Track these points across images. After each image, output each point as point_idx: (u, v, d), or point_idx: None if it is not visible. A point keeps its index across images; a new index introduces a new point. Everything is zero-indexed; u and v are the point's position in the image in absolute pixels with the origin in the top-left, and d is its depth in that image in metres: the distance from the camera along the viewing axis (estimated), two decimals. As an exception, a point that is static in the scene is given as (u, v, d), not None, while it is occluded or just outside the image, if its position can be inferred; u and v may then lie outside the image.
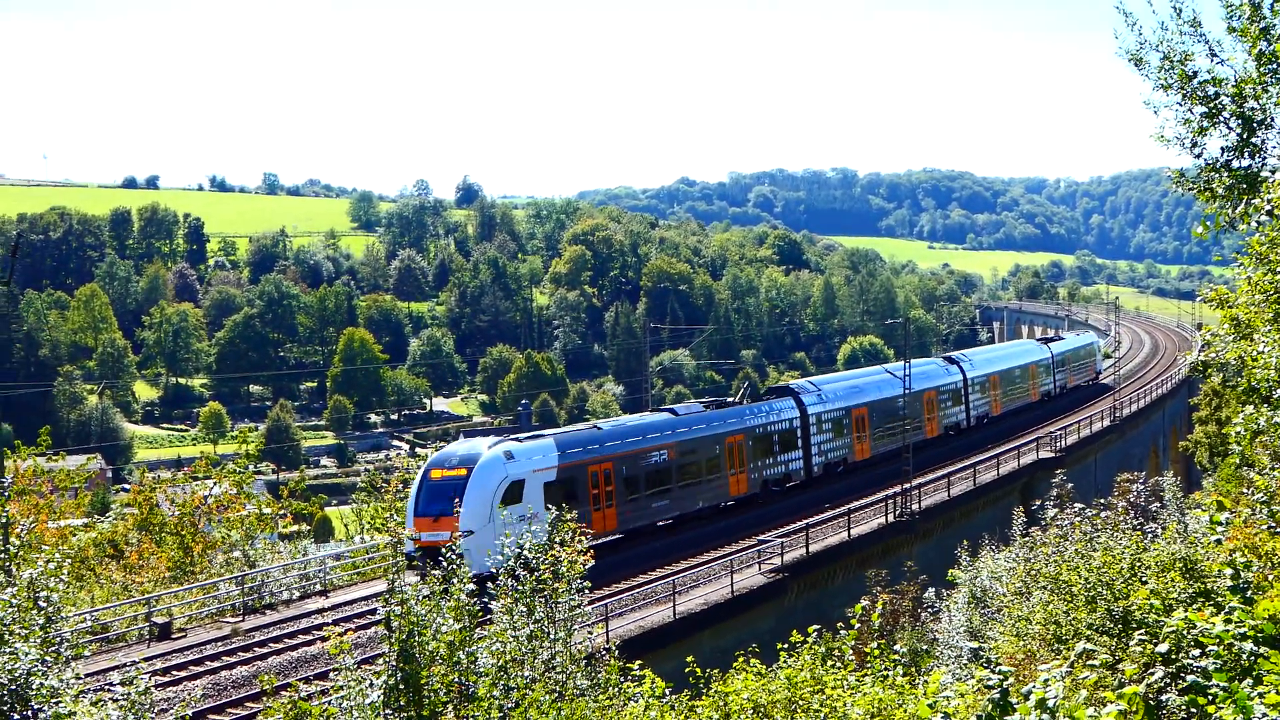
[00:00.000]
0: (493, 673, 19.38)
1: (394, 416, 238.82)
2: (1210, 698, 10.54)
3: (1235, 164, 23.95)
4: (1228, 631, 11.05)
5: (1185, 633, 11.93)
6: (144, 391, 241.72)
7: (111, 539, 53.20)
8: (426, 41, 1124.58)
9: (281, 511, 60.16)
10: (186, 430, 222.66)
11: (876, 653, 19.17)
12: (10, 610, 17.02)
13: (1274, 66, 23.05)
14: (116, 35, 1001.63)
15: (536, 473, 50.46)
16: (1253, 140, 23.86)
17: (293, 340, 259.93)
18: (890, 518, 63.15)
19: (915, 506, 64.40)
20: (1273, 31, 22.87)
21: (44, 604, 18.01)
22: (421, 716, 18.26)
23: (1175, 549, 25.59)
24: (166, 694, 21.62)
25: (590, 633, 24.90)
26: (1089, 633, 23.74)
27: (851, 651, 19.74)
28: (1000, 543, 50.07)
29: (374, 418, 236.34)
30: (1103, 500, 41.74)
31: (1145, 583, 23.79)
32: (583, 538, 23.89)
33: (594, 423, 65.70)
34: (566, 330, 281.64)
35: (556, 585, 22.11)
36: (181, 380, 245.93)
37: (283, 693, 19.55)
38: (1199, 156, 24.39)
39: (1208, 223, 21.96)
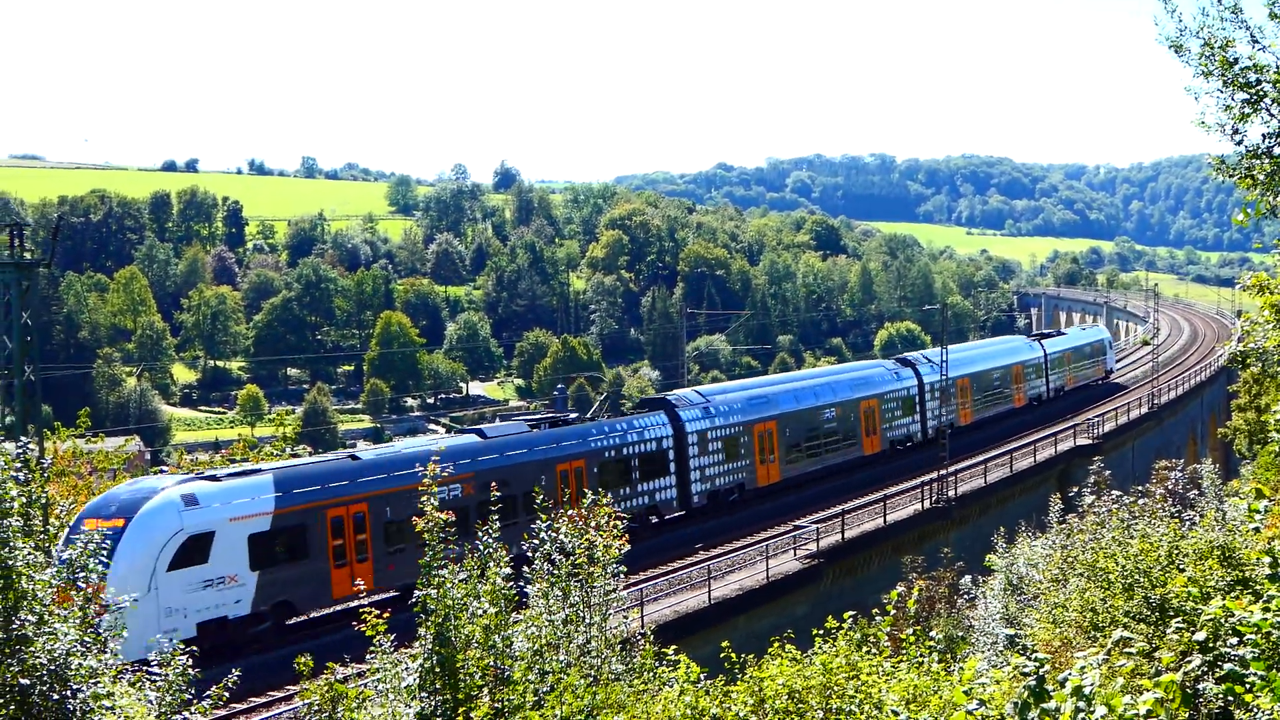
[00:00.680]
0: (528, 657, 19.41)
1: (430, 400, 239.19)
2: (1248, 686, 10.50)
3: (1277, 151, 23.76)
4: (1266, 620, 10.99)
5: (1223, 621, 11.87)
6: (182, 374, 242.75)
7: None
8: (466, 26, 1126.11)
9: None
10: (224, 413, 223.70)
11: (912, 639, 19.14)
12: (50, 591, 17.13)
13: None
14: (158, 20, 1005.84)
15: (236, 521, 40.21)
16: (1294, 127, 23.68)
17: (330, 323, 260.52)
18: (927, 504, 63.10)
19: (952, 493, 64.31)
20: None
21: (83, 585, 18.13)
22: (457, 700, 18.31)
23: (1213, 537, 25.43)
24: (203, 675, 21.72)
25: (625, 617, 24.89)
26: (1126, 620, 23.64)
27: (887, 638, 19.72)
28: (1037, 529, 49.96)
29: (410, 401, 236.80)
30: (1140, 487, 41.58)
31: (1183, 571, 23.66)
32: (618, 523, 23.73)
33: (351, 451, 51.05)
34: (603, 315, 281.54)
35: (592, 570, 22.11)
36: (219, 363, 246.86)
37: (319, 675, 19.62)
38: (1240, 143, 24.18)
39: (1248, 210, 21.84)
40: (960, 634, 40.13)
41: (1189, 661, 12.25)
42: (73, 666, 16.73)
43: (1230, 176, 24.57)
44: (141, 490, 40.16)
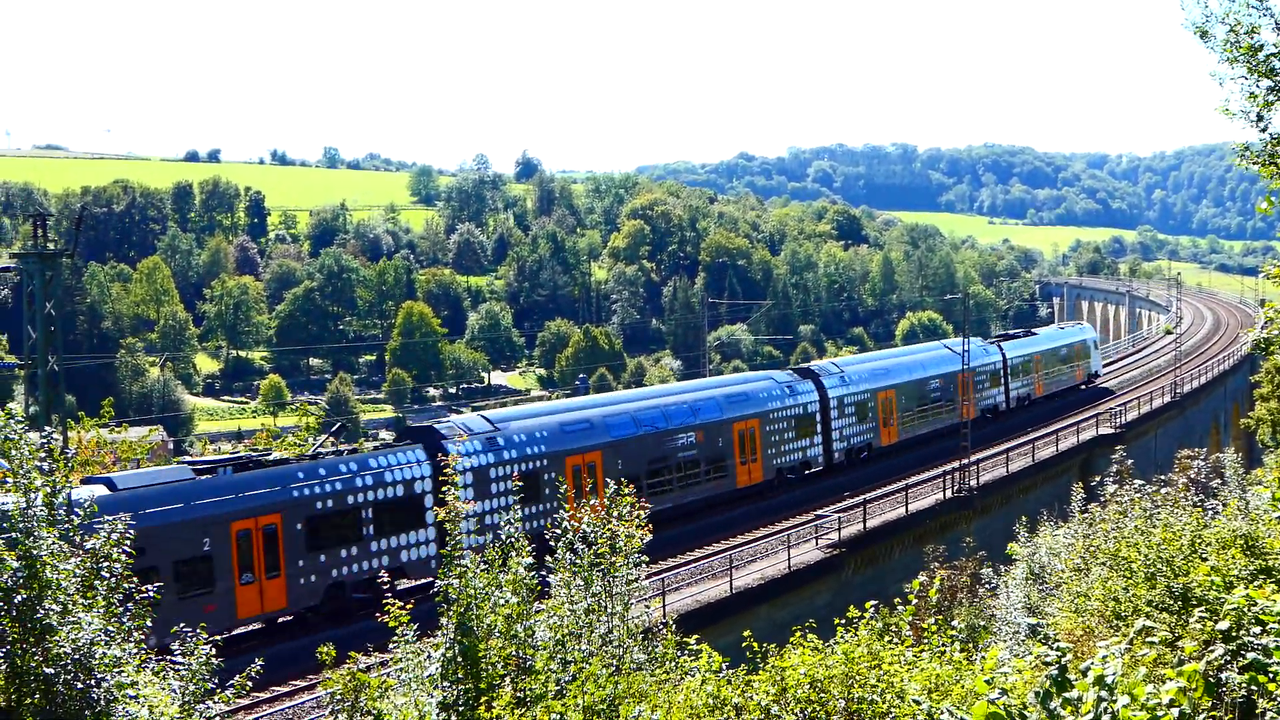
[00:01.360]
0: (550, 646, 19.44)
1: (452, 390, 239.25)
2: (1271, 675, 10.48)
3: (1301, 139, 23.65)
4: (1289, 610, 10.98)
5: (1246, 610, 11.85)
6: (205, 364, 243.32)
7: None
8: (488, 16, 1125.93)
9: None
10: (247, 403, 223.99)
11: (934, 628, 19.13)
12: (74, 580, 17.18)
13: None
14: (180, 11, 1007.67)
15: None
16: (1319, 116, 23.57)
17: (352, 313, 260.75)
18: (948, 493, 63.00)
19: (973, 482, 64.19)
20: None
21: (107, 574, 18.16)
22: (479, 689, 18.34)
23: (1236, 526, 25.34)
24: (227, 664, 21.82)
25: (647, 607, 24.91)
26: (1148, 609, 23.57)
27: (909, 627, 19.72)
28: (1059, 519, 49.84)
29: (432, 391, 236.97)
30: (1163, 476, 41.46)
31: (1205, 560, 23.58)
32: (641, 511, 23.75)
33: None
34: (624, 305, 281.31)
35: (614, 559, 22.11)
36: (242, 353, 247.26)
37: (341, 664, 19.66)
38: (1264, 131, 24.07)
39: (1272, 198, 21.72)
40: (982, 623, 40.10)
41: (1212, 651, 12.20)
42: (96, 656, 16.78)
43: (1254, 164, 24.45)
44: None
